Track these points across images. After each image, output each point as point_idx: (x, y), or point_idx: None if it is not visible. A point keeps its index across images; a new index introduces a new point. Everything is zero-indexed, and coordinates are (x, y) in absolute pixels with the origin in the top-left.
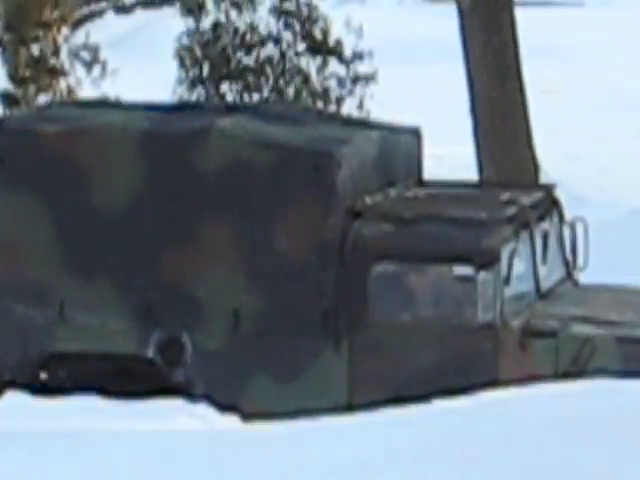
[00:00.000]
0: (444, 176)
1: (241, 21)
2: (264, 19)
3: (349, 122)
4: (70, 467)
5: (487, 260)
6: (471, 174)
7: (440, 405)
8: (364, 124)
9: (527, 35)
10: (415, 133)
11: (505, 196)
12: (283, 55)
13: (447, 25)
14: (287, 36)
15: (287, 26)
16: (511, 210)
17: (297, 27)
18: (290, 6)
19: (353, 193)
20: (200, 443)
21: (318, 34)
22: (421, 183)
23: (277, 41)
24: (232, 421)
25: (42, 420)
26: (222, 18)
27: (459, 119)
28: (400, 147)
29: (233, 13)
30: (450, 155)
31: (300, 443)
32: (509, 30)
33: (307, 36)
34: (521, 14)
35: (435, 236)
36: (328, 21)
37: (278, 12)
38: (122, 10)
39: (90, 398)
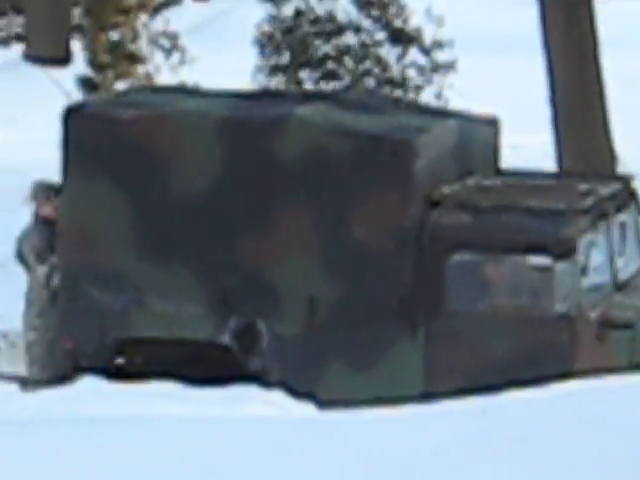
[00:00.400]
0: (521, 166)
1: (321, 9)
2: (344, 7)
3: (427, 111)
4: (145, 452)
5: (564, 250)
6: (549, 164)
7: (516, 396)
8: (443, 113)
9: (607, 26)
10: (493, 122)
11: (583, 186)
12: (362, 44)
13: (527, 15)
14: (367, 25)
15: (367, 15)
16: (589, 201)
17: (376, 15)
18: None
19: (431, 182)
20: (275, 430)
21: (398, 23)
22: (499, 172)
23: (357, 30)
24: (307, 409)
25: (118, 405)
26: (302, 6)
27: (537, 109)
28: (478, 136)
29: (313, 1)
30: (528, 145)
31: (375, 432)
32: (589, 21)
33: (386, 25)
34: (601, 5)
35: (512, 226)
36: (407, 10)
37: (357, 0)
38: None
39: (166, 384)
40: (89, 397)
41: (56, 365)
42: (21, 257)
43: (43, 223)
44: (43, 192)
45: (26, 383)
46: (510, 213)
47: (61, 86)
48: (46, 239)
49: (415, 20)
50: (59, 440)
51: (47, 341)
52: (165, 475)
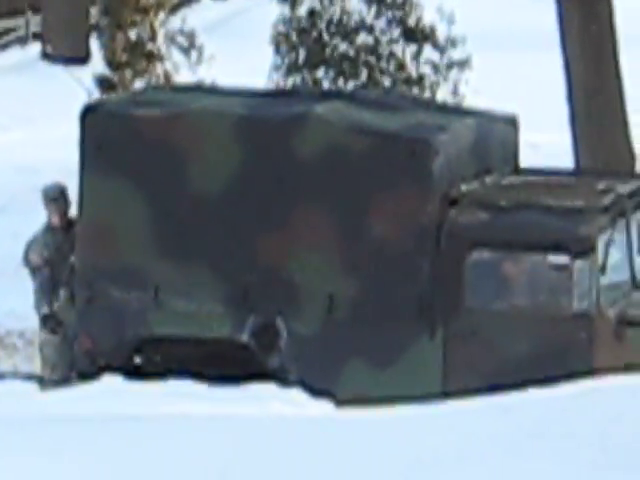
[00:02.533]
0: (540, 164)
1: (336, 8)
2: (357, 6)
3: (445, 109)
4: (163, 450)
5: (583, 249)
6: (568, 162)
7: (536, 394)
8: (461, 111)
9: (626, 23)
10: (512, 121)
11: (601, 185)
12: (377, 42)
13: (544, 12)
14: (381, 23)
15: (380, 14)
16: (607, 199)
17: (390, 14)
18: None
19: (449, 180)
20: (293, 428)
21: (411, 21)
22: (517, 171)
23: (371, 28)
24: (325, 407)
25: (136, 404)
26: (317, 5)
27: (556, 107)
28: (496, 134)
29: (327, 0)
30: (546, 143)
31: (394, 430)
32: (607, 18)
33: (400, 23)
34: (620, 2)
35: (531, 224)
36: (420, 8)
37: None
38: None
39: (184, 382)
40: (107, 396)
41: (70, 364)
42: (27, 261)
43: (50, 229)
44: (49, 197)
45: (44, 382)
46: (529, 211)
47: (82, 84)
48: (53, 245)
49: (427, 17)
50: (77, 438)
51: (56, 342)
52: (184, 472)
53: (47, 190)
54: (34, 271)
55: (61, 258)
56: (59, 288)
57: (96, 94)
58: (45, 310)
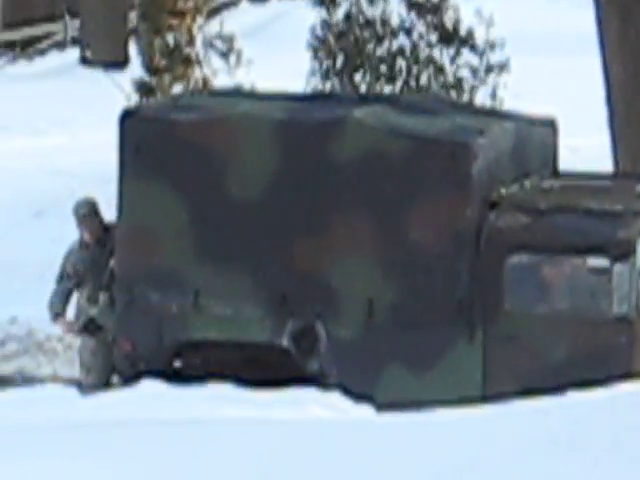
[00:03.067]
0: (579, 167)
1: (372, 12)
2: (395, 10)
3: (484, 112)
4: (204, 454)
5: (622, 252)
6: (607, 165)
7: (575, 397)
8: (500, 114)
9: None
10: (550, 124)
11: None
12: (415, 46)
13: (583, 15)
14: (419, 27)
15: (418, 17)
16: None
17: (428, 18)
18: None
19: (489, 184)
20: (334, 433)
21: (449, 24)
22: (556, 174)
23: (409, 32)
24: (366, 411)
25: (177, 408)
26: (353, 9)
27: (595, 110)
28: (535, 138)
29: (364, 4)
30: (586, 146)
31: (434, 434)
32: None
33: (438, 26)
34: None
35: (570, 227)
36: (459, 11)
37: (408, 3)
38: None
39: (224, 386)
40: (147, 400)
41: (108, 369)
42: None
43: (83, 245)
44: (79, 214)
45: (81, 386)
46: (568, 215)
47: (122, 88)
48: (89, 261)
49: (466, 21)
50: (117, 443)
51: (92, 346)
52: (224, 476)
53: (77, 207)
54: (63, 276)
55: (97, 271)
56: (97, 296)
57: (135, 99)
58: (88, 313)
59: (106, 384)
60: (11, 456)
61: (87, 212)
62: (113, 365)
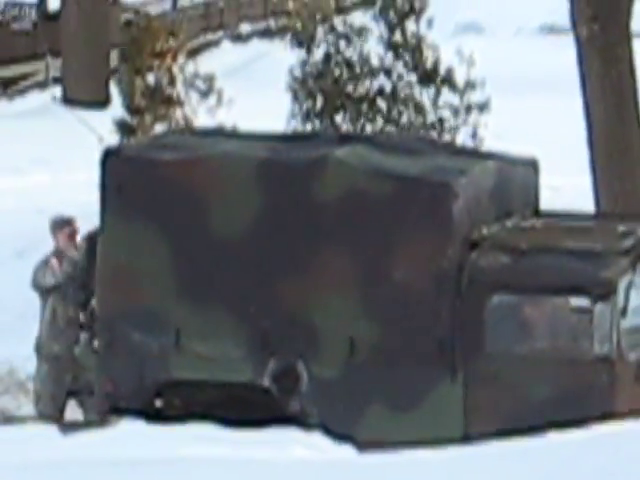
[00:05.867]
0: (561, 207)
1: (351, 52)
2: (374, 50)
3: (465, 152)
4: None
5: (604, 292)
6: (588, 206)
7: (557, 437)
8: (481, 154)
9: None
10: (532, 164)
11: (622, 228)
12: (395, 86)
13: (564, 56)
14: (398, 67)
15: (397, 57)
16: (628, 242)
17: (407, 58)
18: (399, 37)
19: (470, 223)
20: (315, 473)
21: (429, 64)
22: (538, 214)
23: (388, 72)
24: (347, 451)
25: (157, 448)
26: (332, 50)
27: (576, 150)
28: (517, 178)
29: (343, 44)
30: (567, 186)
31: (415, 474)
32: (627, 62)
33: (417, 67)
34: (639, 46)
35: (552, 267)
36: (438, 51)
37: (387, 44)
38: (238, 40)
39: (205, 426)
40: (128, 439)
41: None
42: (35, 285)
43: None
44: (56, 225)
45: (65, 425)
46: (549, 255)
47: (94, 130)
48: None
49: (448, 60)
50: None
51: (42, 373)
52: None
53: (54, 220)
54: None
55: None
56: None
57: (112, 139)
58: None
59: (58, 412)
60: None
61: (63, 223)
62: (66, 393)
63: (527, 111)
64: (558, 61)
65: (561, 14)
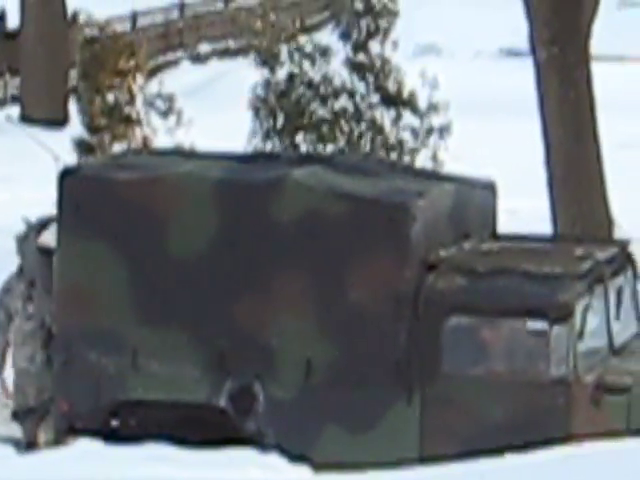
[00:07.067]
0: (519, 230)
1: (315, 73)
2: (337, 71)
3: (424, 174)
4: None
5: (561, 315)
6: (546, 228)
7: (513, 460)
8: (440, 177)
9: (603, 89)
10: (490, 186)
11: (579, 251)
12: (357, 107)
13: (523, 78)
14: (361, 88)
15: (360, 78)
16: (585, 265)
17: (370, 79)
18: (363, 59)
19: (427, 246)
20: None
21: (392, 86)
22: (495, 236)
23: (351, 93)
24: (303, 472)
25: (113, 468)
26: (296, 70)
27: (534, 172)
28: (475, 200)
29: (306, 64)
30: (525, 208)
31: None
32: (585, 84)
33: (380, 88)
34: (597, 68)
35: (509, 290)
36: (401, 73)
37: (351, 64)
38: (198, 59)
39: (161, 447)
40: (84, 459)
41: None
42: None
43: (40, 252)
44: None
45: (21, 445)
46: (506, 277)
47: (49, 149)
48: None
49: (410, 83)
50: None
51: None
52: None
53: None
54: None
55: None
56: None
57: (70, 158)
58: None
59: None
60: None
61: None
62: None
63: (486, 133)
64: (517, 84)
65: (520, 37)
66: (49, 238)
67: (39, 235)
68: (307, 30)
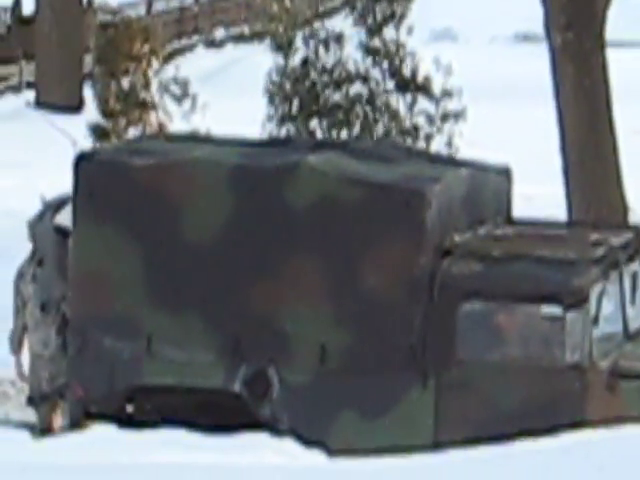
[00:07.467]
0: (534, 215)
1: (329, 58)
2: (352, 56)
3: (439, 160)
4: None
5: (576, 300)
6: (561, 214)
7: (527, 445)
8: (455, 162)
9: (619, 75)
10: (505, 172)
11: (594, 236)
12: (372, 92)
13: (539, 64)
14: (375, 73)
15: (375, 63)
16: (600, 250)
17: (385, 64)
18: (377, 44)
19: (442, 231)
20: (285, 479)
21: (406, 71)
22: (510, 222)
23: (365, 79)
24: (318, 457)
25: (128, 453)
26: (311, 55)
27: (549, 158)
28: (490, 186)
29: (321, 50)
30: (540, 194)
31: None
32: (600, 70)
33: (395, 73)
34: (613, 55)
35: (524, 275)
36: (416, 58)
37: (365, 50)
38: (213, 45)
39: (176, 432)
40: (99, 445)
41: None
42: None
43: (57, 230)
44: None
45: (36, 430)
46: (521, 262)
47: (67, 134)
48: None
49: (425, 68)
50: None
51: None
52: None
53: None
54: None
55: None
56: None
57: (85, 143)
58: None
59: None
60: None
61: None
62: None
63: (501, 119)
64: (532, 69)
65: (535, 22)
66: (66, 218)
67: (55, 215)
68: (322, 15)
